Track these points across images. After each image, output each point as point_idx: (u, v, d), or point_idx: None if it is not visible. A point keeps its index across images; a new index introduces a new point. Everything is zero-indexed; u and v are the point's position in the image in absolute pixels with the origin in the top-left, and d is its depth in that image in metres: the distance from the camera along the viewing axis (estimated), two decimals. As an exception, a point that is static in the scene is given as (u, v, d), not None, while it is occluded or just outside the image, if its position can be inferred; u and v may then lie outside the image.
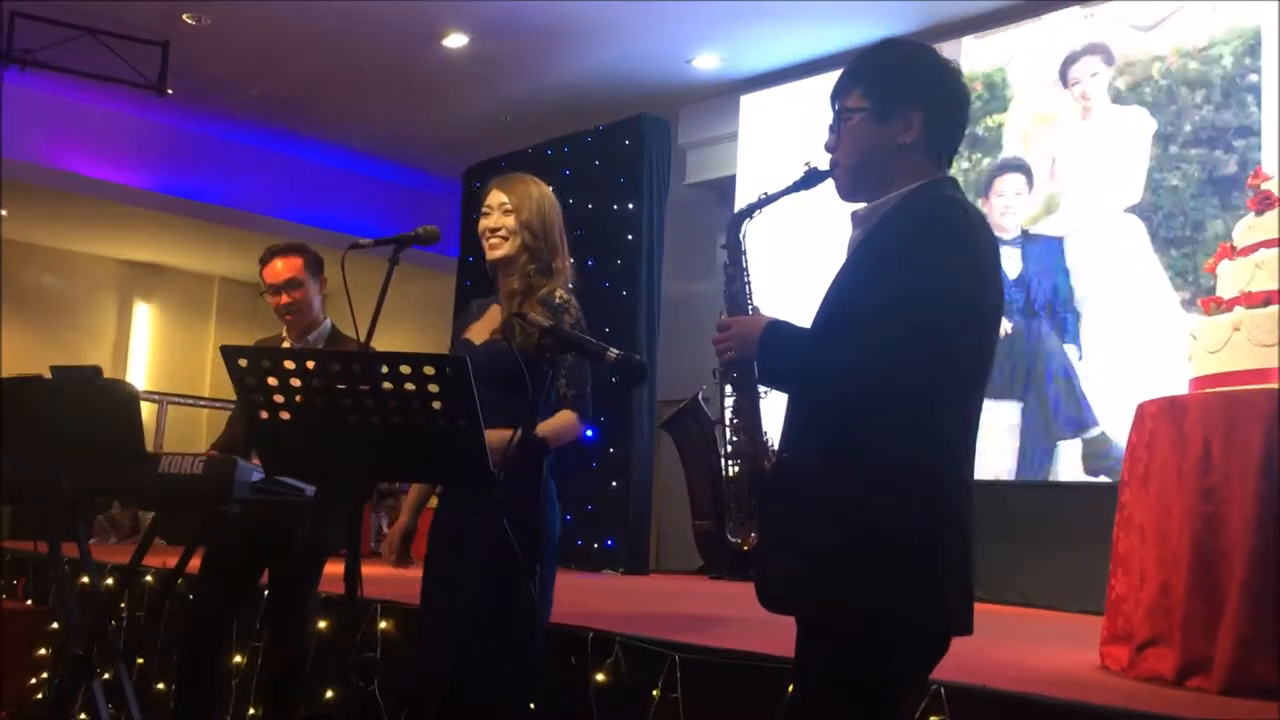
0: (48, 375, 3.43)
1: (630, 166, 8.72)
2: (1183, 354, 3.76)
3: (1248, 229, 3.60)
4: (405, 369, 2.31)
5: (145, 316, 13.02)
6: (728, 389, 2.13)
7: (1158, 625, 3.26)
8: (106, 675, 3.95)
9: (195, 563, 3.79)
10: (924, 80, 2.06)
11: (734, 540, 2.14)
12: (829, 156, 2.11)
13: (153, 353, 12.98)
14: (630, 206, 8.67)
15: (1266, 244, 3.44)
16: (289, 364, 2.37)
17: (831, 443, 1.92)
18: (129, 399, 3.40)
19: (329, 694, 3.96)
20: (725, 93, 8.84)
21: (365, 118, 9.99)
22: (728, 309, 2.16)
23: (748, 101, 8.77)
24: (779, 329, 2.00)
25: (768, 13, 7.69)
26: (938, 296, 1.85)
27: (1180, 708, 2.83)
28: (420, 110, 9.71)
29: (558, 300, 2.94)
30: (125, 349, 12.80)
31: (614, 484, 8.34)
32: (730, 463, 2.14)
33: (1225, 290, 3.54)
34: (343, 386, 2.35)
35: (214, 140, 10.69)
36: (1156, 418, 3.40)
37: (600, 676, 3.40)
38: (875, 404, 1.87)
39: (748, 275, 2.20)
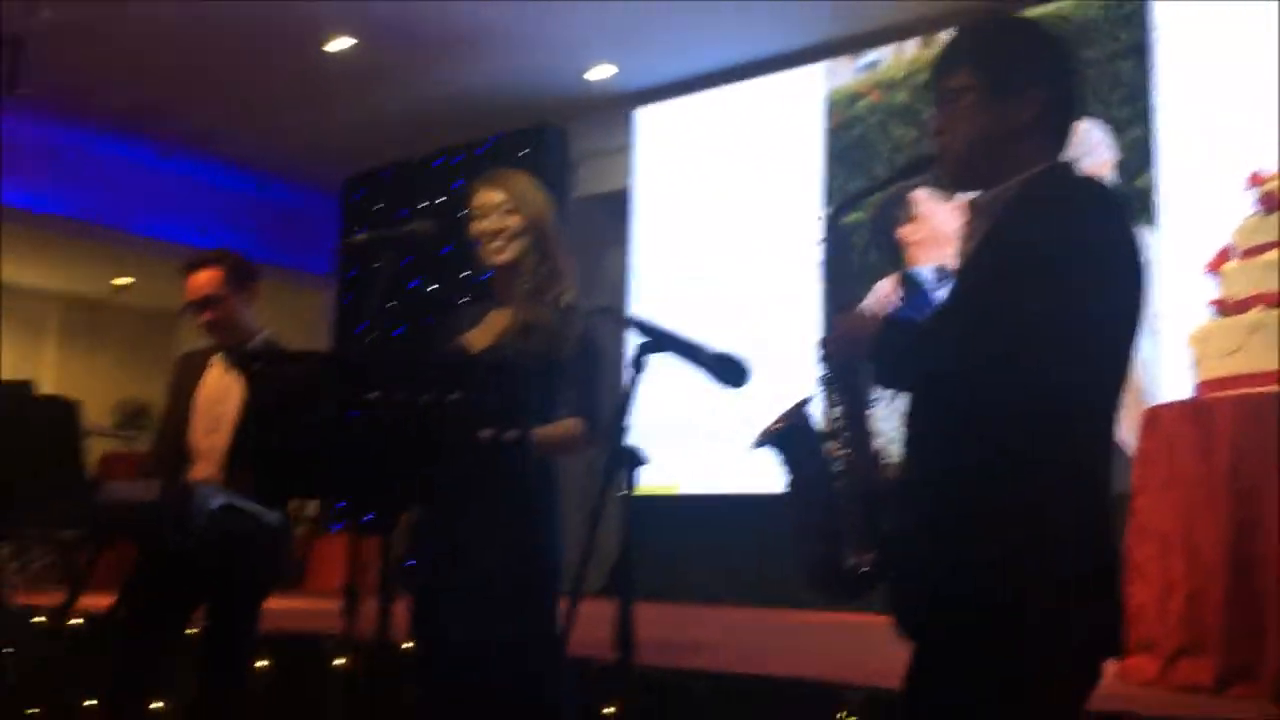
0: None
1: (526, 178, 8.41)
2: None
3: (1253, 230, 3.57)
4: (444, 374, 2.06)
5: (-24, 339, 12.01)
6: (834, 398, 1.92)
7: (1190, 634, 3.17)
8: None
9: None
10: (1042, 54, 1.87)
11: (852, 563, 1.93)
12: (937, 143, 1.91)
13: (-16, 378, 11.98)
14: (527, 220, 8.34)
15: (1280, 244, 3.41)
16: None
17: (984, 445, 1.71)
18: (67, 417, 2.95)
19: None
20: (620, 105, 8.61)
21: (236, 125, 9.32)
22: (831, 309, 1.95)
23: (644, 114, 8.58)
24: (899, 325, 1.85)
25: (664, 25, 7.50)
26: (1099, 286, 1.68)
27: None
28: (298, 118, 9.12)
29: (568, 303, 2.70)
30: (-47, 373, 11.77)
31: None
32: (841, 478, 1.93)
33: (1236, 291, 3.49)
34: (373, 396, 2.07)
35: (60, 146, 9.83)
36: (1176, 421, 3.31)
37: (610, 710, 3.10)
38: (1035, 403, 1.67)
39: (854, 270, 2.00)
